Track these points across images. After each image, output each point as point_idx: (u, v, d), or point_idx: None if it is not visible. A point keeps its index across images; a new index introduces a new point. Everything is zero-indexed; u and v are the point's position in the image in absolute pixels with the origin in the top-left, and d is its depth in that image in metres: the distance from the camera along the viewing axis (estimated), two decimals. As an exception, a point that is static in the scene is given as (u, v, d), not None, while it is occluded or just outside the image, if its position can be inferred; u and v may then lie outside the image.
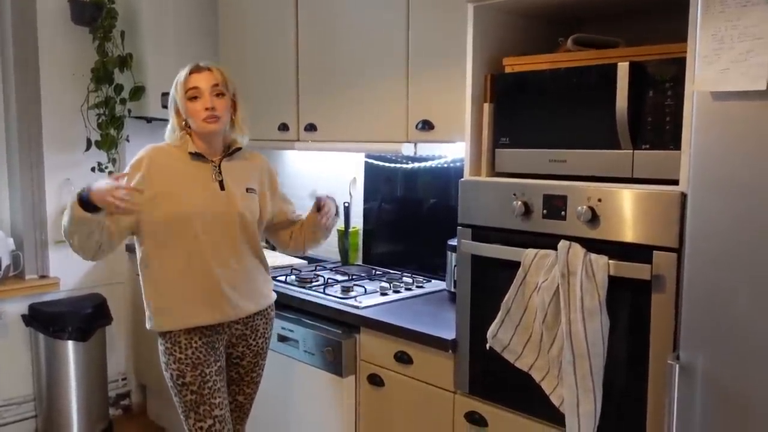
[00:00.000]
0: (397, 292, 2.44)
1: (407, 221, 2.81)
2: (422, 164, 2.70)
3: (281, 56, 2.74)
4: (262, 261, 2.15)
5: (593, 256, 1.56)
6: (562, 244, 1.61)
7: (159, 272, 2.00)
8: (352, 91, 2.48)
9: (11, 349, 3.21)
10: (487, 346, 1.76)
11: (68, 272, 3.30)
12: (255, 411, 2.26)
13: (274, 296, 2.22)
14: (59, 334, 3.09)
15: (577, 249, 1.59)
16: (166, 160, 2.03)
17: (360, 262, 2.97)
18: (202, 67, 2.01)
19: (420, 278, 2.63)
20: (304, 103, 2.67)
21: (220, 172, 2.05)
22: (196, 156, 2.04)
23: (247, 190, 2.09)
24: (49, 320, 3.11)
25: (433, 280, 2.61)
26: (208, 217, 1.99)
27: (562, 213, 1.64)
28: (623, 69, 1.54)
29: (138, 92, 3.14)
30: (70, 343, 3.11)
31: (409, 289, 2.48)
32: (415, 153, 2.30)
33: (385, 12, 2.32)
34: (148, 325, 2.05)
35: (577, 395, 1.58)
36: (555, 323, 1.63)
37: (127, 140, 3.29)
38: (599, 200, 1.57)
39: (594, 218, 1.58)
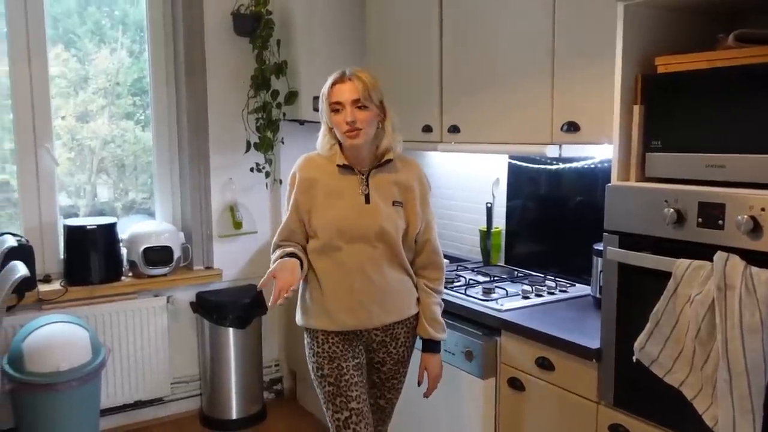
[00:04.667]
0: (540, 295, 2.41)
1: (551, 223, 2.75)
2: (568, 165, 2.63)
3: (425, 58, 2.78)
4: (409, 274, 2.13)
5: (754, 269, 1.45)
6: (719, 256, 1.51)
7: (310, 276, 2.08)
8: (495, 93, 2.46)
9: (181, 333, 3.54)
10: (634, 358, 1.70)
11: (229, 264, 3.58)
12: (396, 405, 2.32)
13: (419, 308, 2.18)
14: (221, 321, 3.37)
15: (736, 261, 1.49)
16: (316, 174, 2.07)
17: (502, 263, 2.95)
18: (345, 77, 1.99)
19: (563, 282, 2.57)
20: (448, 104, 2.70)
21: (368, 185, 2.05)
22: (344, 168, 2.06)
23: (394, 203, 2.07)
24: (212, 308, 3.40)
25: (577, 284, 2.54)
26: (350, 230, 2.01)
27: (720, 222, 1.54)
28: (793, 67, 1.42)
29: (292, 97, 3.32)
30: (231, 330, 3.37)
31: (552, 293, 2.44)
32: (560, 155, 2.25)
33: (530, 11, 2.29)
34: (296, 320, 2.17)
35: (734, 417, 1.48)
36: (710, 339, 1.54)
37: (282, 142, 3.51)
38: (762, 209, 1.45)
39: (756, 229, 1.46)
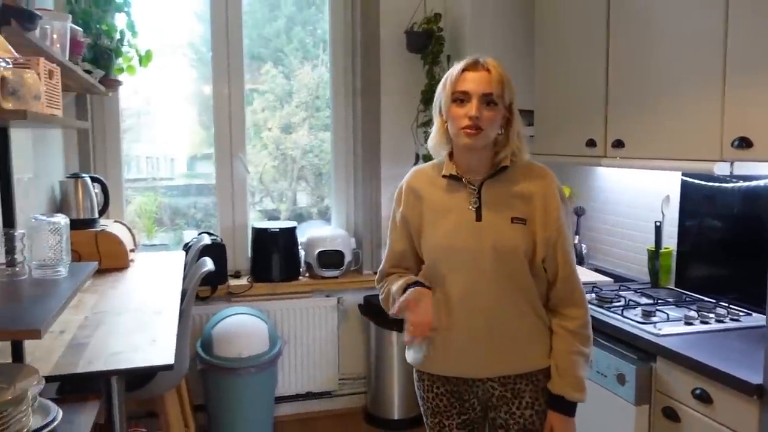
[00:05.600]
0: (705, 322, 2.24)
1: (730, 245, 2.53)
2: (750, 183, 2.41)
3: (591, 71, 2.70)
4: (537, 313, 1.74)
5: None
6: None
7: None
8: (660, 106, 2.34)
9: (350, 333, 3.77)
10: (796, 398, 1.54)
11: (396, 271, 3.74)
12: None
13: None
14: (386, 324, 3.53)
15: None
16: (423, 187, 1.78)
17: (672, 286, 2.77)
18: (479, 65, 1.66)
19: (738, 310, 2.36)
20: (613, 118, 2.61)
21: (479, 198, 1.71)
22: (453, 179, 1.73)
23: (513, 220, 1.68)
24: (378, 311, 3.56)
25: (754, 314, 2.32)
26: (457, 255, 1.69)
27: None
28: None
29: (459, 111, 3.40)
30: (394, 334, 3.52)
31: (721, 321, 2.25)
32: (731, 173, 2.08)
33: (701, 18, 2.15)
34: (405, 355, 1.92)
35: None
36: None
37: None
38: None
39: None
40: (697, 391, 1.93)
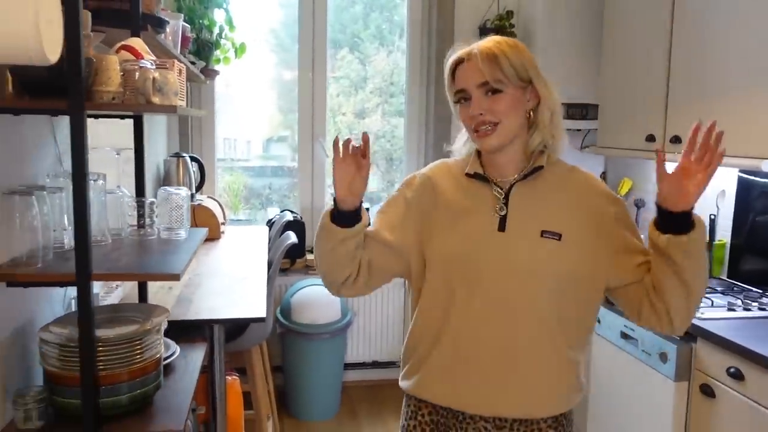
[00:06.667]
0: (748, 309, 2.39)
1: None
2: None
3: (653, 69, 2.85)
4: (557, 350, 1.39)
5: None
6: None
7: (414, 323, 1.48)
8: (717, 104, 2.48)
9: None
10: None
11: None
12: (591, 398, 2.49)
13: (565, 409, 1.44)
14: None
15: None
16: (443, 182, 1.47)
17: (724, 276, 2.91)
18: (468, 55, 1.35)
19: (784, 301, 2.50)
20: (672, 114, 2.76)
21: (506, 204, 1.39)
22: (477, 178, 1.43)
23: (543, 233, 1.37)
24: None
25: (799, 305, 2.45)
26: (472, 268, 1.38)
27: None
28: None
29: (526, 104, 3.58)
30: (457, 311, 3.77)
31: (763, 309, 2.40)
32: (780, 170, 2.22)
33: (760, 22, 2.28)
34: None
35: None
36: None
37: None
38: None
39: None
40: (731, 370, 2.10)
